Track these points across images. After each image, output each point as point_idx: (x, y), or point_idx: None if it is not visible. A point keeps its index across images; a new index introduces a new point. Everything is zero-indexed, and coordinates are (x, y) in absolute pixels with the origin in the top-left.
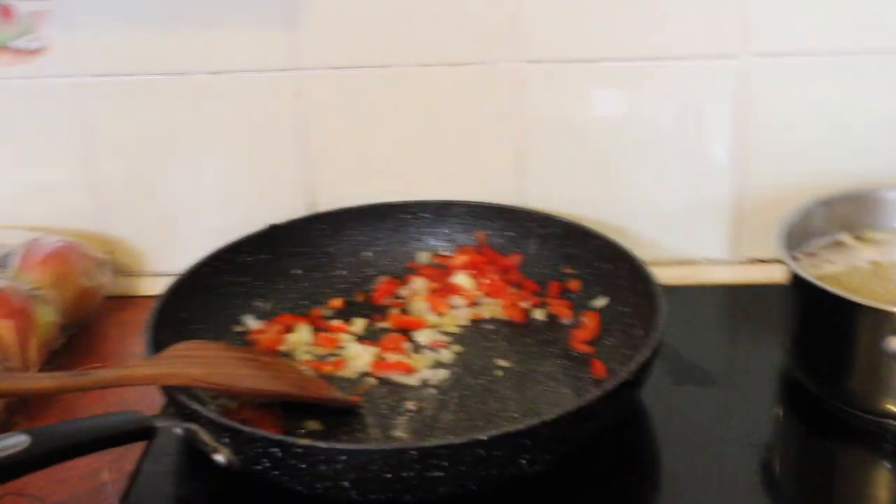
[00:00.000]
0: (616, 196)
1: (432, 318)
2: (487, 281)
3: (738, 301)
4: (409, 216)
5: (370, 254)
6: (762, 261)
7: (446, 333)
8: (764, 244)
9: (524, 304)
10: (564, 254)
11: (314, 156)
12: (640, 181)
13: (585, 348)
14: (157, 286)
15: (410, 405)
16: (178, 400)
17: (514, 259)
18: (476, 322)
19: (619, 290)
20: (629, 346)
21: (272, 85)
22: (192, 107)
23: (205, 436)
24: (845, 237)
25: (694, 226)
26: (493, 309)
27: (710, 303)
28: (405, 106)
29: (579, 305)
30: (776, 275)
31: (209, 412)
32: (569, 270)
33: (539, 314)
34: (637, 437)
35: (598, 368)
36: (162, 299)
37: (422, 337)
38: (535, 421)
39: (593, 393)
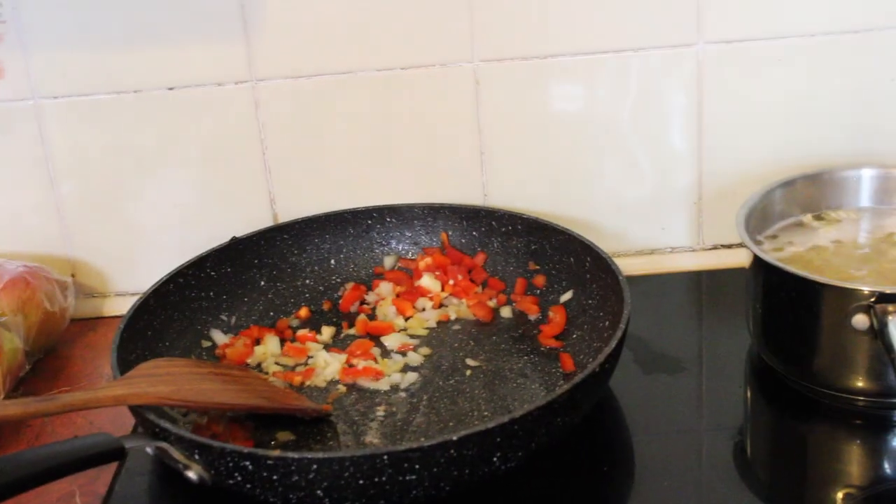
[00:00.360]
0: (579, 190)
1: (400, 321)
2: (453, 282)
3: (703, 287)
4: (372, 221)
5: (334, 261)
6: (726, 246)
7: (414, 336)
8: (727, 230)
9: (491, 303)
10: (528, 250)
11: (275, 166)
12: (601, 174)
13: (554, 343)
14: (122, 306)
15: (381, 410)
16: (147, 419)
17: (479, 258)
18: (444, 323)
19: (584, 283)
20: (597, 338)
21: (230, 97)
22: (151, 123)
23: (176, 453)
24: (806, 218)
25: (657, 215)
26: (460, 309)
27: (676, 291)
28: (364, 111)
29: (546, 301)
30: (740, 259)
31: (179, 429)
32: (534, 266)
33: (506, 312)
34: (610, 428)
35: (567, 362)
36: (127, 319)
37: (390, 341)
38: (504, 418)
39: (562, 387)
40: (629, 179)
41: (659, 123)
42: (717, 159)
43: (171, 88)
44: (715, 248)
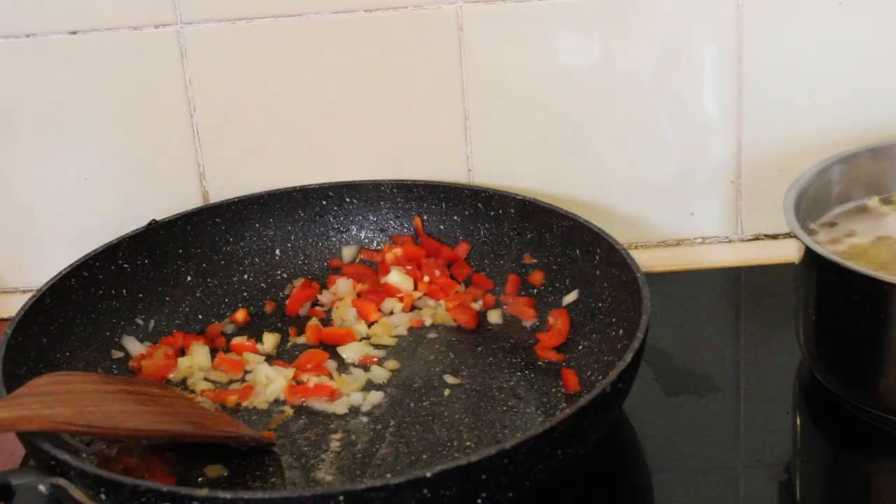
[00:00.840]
0: (585, 166)
1: (361, 328)
2: (429, 278)
3: (742, 287)
4: (328, 202)
5: (280, 252)
6: (770, 236)
7: (379, 347)
8: (771, 215)
9: (476, 305)
10: (524, 240)
11: (206, 132)
12: (616, 146)
13: (554, 356)
14: (10, 306)
15: (337, 439)
16: (41, 449)
17: (462, 249)
18: (416, 330)
19: (593, 282)
20: (608, 350)
21: (149, 45)
22: (48, 76)
23: (77, 492)
24: (871, 201)
25: (685, 197)
26: (436, 313)
27: (707, 291)
28: (319, 64)
29: (544, 303)
30: (788, 253)
31: (81, 462)
32: (530, 260)
33: (495, 316)
34: (623, 463)
35: (571, 380)
36: (16, 322)
37: (349, 353)
38: (491, 450)
39: (564, 412)
40: (650, 153)
41: (688, 82)
42: (760, 127)
43: (73, 32)
44: (756, 238)
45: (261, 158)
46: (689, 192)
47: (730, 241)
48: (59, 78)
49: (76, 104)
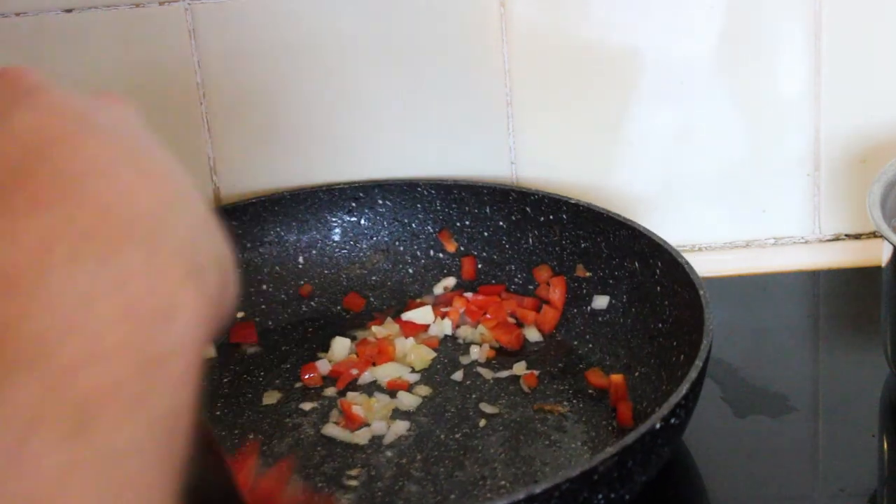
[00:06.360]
0: (640, 158)
1: (404, 345)
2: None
3: (820, 294)
4: (358, 204)
5: (303, 260)
6: (853, 236)
7: (413, 371)
8: (855, 213)
9: (518, 323)
10: (577, 249)
11: (218, 122)
12: (673, 135)
13: (606, 382)
14: None
15: (356, 474)
16: None
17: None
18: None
19: (652, 299)
20: (668, 378)
21: (154, 23)
22: (40, 59)
23: None
24: None
25: (755, 192)
26: (476, 332)
27: (781, 299)
28: (344, 43)
29: (598, 321)
30: (874, 255)
31: None
32: (583, 273)
33: (535, 335)
34: (680, 496)
35: (624, 412)
36: None
37: (382, 373)
38: (519, 494)
39: (605, 451)
40: (715, 143)
41: (758, 62)
42: (841, 113)
43: (68, 10)
44: (837, 238)
45: (277, 152)
46: (759, 186)
47: (806, 242)
48: (52, 60)
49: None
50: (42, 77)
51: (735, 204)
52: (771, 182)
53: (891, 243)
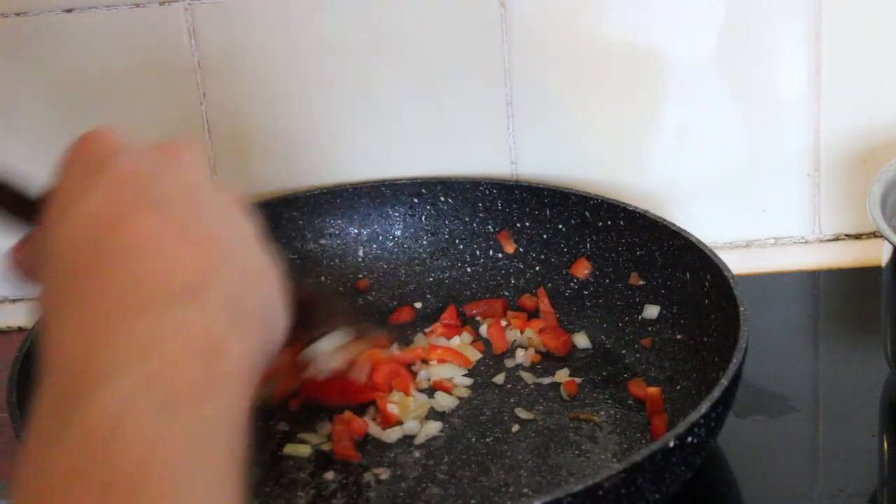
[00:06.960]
0: (641, 157)
1: (463, 345)
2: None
3: (820, 294)
4: (420, 200)
5: (363, 253)
6: (853, 236)
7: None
8: (855, 213)
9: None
10: (633, 257)
11: (217, 123)
12: (673, 134)
13: (646, 393)
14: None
15: (381, 473)
16: None
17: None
18: (496, 356)
19: (700, 312)
20: (705, 394)
21: (154, 22)
22: (40, 60)
23: None
24: None
25: (755, 192)
26: (524, 336)
27: (781, 298)
28: (336, 39)
29: (648, 331)
30: (874, 255)
31: None
32: (637, 281)
33: (584, 341)
34: (680, 493)
35: (659, 426)
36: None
37: (430, 372)
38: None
39: (612, 467)
40: (713, 142)
41: (758, 59)
42: (842, 113)
43: (69, 10)
44: (837, 238)
45: (277, 153)
46: (759, 186)
47: (806, 242)
48: (52, 61)
49: (73, 90)
50: (118, 140)
51: (735, 204)
52: (771, 182)
53: (891, 243)
